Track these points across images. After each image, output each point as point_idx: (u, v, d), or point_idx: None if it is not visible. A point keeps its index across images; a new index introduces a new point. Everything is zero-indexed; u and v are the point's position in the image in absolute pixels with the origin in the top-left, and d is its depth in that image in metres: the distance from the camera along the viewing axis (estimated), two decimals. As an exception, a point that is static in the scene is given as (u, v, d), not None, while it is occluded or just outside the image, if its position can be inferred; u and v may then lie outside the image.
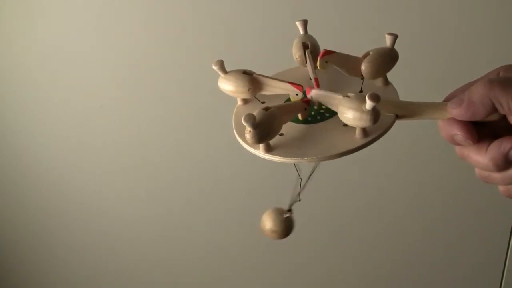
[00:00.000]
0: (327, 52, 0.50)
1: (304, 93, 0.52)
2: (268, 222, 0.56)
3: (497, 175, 0.47)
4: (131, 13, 1.07)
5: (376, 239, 1.29)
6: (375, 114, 0.44)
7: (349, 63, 0.51)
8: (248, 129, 0.44)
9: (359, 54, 0.52)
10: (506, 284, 1.28)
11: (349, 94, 0.46)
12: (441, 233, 1.26)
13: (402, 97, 0.51)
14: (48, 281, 1.53)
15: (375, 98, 0.43)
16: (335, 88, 0.53)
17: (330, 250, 1.33)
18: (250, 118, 0.44)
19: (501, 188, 0.49)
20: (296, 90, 0.50)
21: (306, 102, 0.50)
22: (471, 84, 0.48)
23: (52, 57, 1.14)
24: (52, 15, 1.09)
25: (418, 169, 1.17)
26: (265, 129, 0.45)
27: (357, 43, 0.99)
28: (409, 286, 1.36)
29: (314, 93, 0.49)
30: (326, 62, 0.50)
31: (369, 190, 1.21)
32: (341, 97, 0.46)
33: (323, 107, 0.51)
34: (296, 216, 1.25)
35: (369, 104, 0.43)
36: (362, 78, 0.52)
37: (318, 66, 0.51)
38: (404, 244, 1.29)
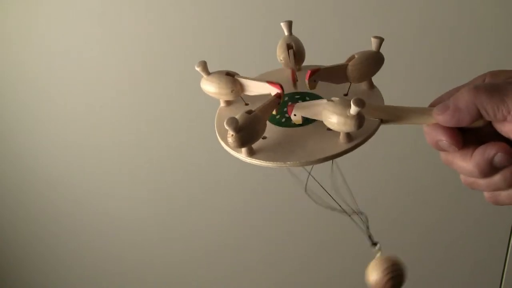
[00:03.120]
0: (314, 71, 0.49)
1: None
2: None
3: (482, 182, 0.47)
4: (131, 14, 1.07)
5: (375, 239, 1.29)
6: (359, 119, 0.44)
7: (336, 74, 0.50)
8: (230, 133, 0.44)
9: (345, 56, 0.52)
10: (506, 284, 1.28)
11: (333, 98, 0.45)
12: (441, 233, 1.26)
13: (387, 101, 0.51)
14: (48, 281, 1.53)
15: (360, 103, 0.42)
16: (320, 90, 0.53)
17: (329, 250, 1.33)
18: (233, 122, 0.43)
19: (486, 194, 0.49)
20: (275, 89, 0.50)
21: (278, 97, 0.50)
22: (457, 89, 0.48)
23: (52, 57, 1.14)
24: (52, 15, 1.09)
25: (417, 169, 1.16)
26: (248, 133, 0.44)
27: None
28: (409, 286, 1.35)
29: (296, 107, 0.49)
30: (315, 81, 0.50)
31: (368, 190, 1.20)
32: (325, 101, 0.46)
33: None
34: (296, 217, 1.23)
35: (353, 110, 0.43)
36: (350, 83, 0.52)
37: (308, 87, 0.50)
38: (404, 244, 1.29)
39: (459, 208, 1.21)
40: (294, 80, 0.53)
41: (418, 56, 1.02)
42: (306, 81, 0.49)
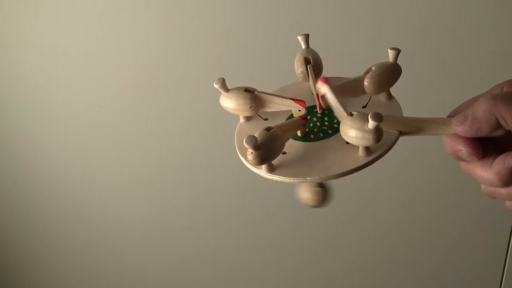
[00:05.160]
0: (323, 81, 0.49)
1: (306, 110, 0.51)
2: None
3: (503, 191, 0.46)
4: (132, 14, 1.06)
5: (375, 239, 1.29)
6: (377, 133, 0.43)
7: (351, 89, 0.50)
8: (250, 150, 0.44)
9: (362, 67, 0.52)
10: (506, 284, 1.29)
11: (352, 112, 0.45)
12: (441, 233, 1.26)
13: (405, 110, 0.51)
14: (48, 281, 1.53)
15: (377, 117, 0.42)
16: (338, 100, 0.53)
17: (330, 251, 1.33)
18: (252, 140, 0.43)
19: (508, 203, 0.48)
20: (299, 106, 0.50)
21: (304, 119, 0.49)
22: (475, 99, 0.47)
23: (52, 57, 1.13)
24: (52, 15, 1.08)
25: (418, 169, 1.16)
26: (267, 150, 0.44)
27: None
28: (409, 286, 1.36)
29: (326, 91, 0.48)
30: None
31: (368, 190, 1.21)
32: (345, 115, 0.45)
33: (326, 123, 0.50)
34: (297, 216, 1.23)
35: (371, 124, 0.42)
36: (370, 95, 0.51)
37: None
38: (404, 244, 1.29)
39: (459, 208, 1.21)
40: (320, 106, 0.52)
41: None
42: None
